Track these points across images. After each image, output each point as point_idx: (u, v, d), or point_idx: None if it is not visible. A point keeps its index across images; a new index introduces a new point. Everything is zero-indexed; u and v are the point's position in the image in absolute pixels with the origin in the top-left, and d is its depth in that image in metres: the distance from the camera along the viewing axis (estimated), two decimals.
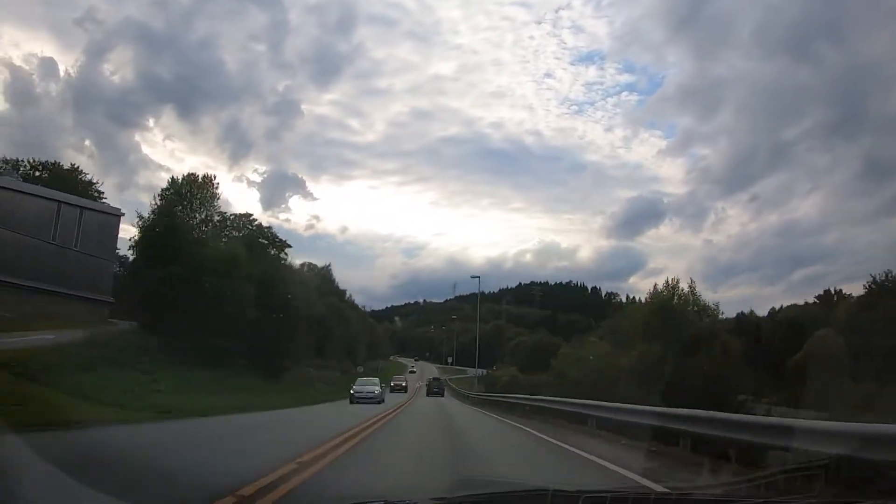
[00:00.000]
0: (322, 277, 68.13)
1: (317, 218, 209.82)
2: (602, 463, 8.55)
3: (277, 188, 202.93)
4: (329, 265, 75.87)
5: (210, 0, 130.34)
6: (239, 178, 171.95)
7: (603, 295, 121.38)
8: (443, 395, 51.17)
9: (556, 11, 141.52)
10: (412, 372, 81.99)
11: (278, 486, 5.70)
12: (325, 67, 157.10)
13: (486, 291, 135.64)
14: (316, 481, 6.30)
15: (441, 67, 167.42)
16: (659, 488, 5.60)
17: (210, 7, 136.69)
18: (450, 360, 79.45)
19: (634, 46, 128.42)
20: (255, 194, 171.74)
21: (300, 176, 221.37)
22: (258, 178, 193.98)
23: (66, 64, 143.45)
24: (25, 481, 4.49)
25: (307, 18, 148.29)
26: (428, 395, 50.97)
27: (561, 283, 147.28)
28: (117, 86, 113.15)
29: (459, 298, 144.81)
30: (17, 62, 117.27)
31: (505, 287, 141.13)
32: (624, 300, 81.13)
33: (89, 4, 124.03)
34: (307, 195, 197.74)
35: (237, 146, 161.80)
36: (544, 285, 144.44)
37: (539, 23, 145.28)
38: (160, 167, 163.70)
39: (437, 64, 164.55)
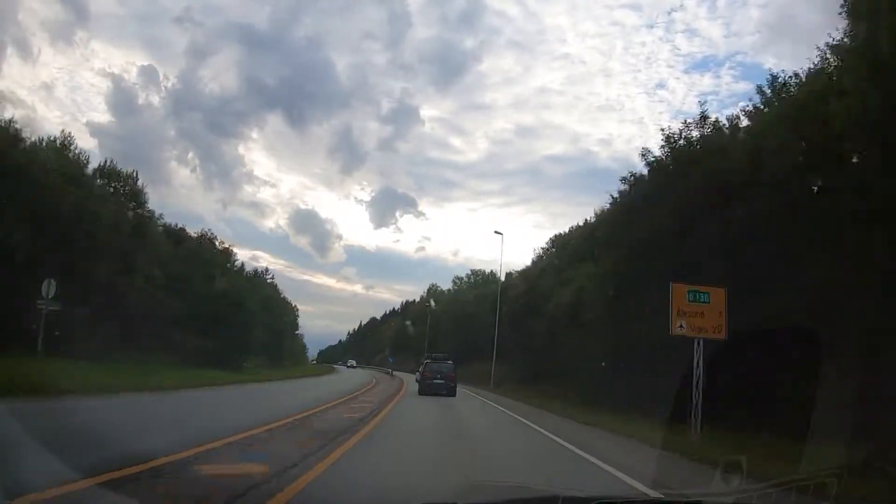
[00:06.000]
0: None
1: (427, 239, 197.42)
2: None
3: (387, 207, 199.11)
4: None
5: None
6: (346, 196, 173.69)
7: None
8: (454, 395, 29.55)
9: (669, 13, 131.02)
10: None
11: None
12: (446, 68, 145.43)
13: None
14: None
15: (547, 79, 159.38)
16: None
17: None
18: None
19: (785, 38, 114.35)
20: (363, 213, 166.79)
21: (410, 194, 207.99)
22: (367, 196, 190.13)
23: (166, 71, 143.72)
24: None
25: (427, 12, 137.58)
26: (422, 392, 29.95)
27: None
28: (217, 94, 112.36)
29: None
30: (116, 71, 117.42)
31: None
32: None
33: (187, 4, 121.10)
34: (419, 214, 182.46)
35: (349, 158, 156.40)
36: None
37: (651, 27, 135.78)
38: (265, 183, 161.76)
39: (542, 75, 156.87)
